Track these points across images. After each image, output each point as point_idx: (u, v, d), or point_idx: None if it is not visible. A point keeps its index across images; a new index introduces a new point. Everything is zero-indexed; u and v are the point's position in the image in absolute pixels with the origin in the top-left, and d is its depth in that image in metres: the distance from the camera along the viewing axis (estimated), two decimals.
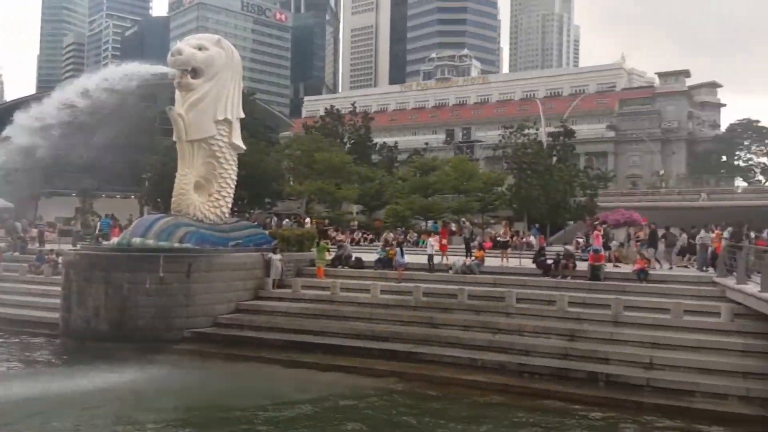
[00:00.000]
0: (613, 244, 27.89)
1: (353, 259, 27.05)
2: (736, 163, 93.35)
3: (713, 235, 23.41)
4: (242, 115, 26.13)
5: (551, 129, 62.64)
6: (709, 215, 34.64)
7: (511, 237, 31.77)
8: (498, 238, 31.35)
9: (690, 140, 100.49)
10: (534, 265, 24.16)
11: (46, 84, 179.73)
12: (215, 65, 24.19)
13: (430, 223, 48.92)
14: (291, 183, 53.38)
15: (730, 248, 20.86)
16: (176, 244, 23.05)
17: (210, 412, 15.61)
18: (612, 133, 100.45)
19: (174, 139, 24.62)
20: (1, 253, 31.56)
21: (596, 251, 23.38)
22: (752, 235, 23.73)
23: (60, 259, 27.25)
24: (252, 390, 17.30)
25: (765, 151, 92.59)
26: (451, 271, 24.48)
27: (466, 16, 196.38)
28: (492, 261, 25.88)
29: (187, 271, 22.21)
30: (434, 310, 21.27)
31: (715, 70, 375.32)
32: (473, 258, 25.46)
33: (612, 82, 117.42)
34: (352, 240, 37.74)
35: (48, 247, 32.81)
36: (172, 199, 24.87)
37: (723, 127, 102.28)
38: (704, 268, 22.72)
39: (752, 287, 17.34)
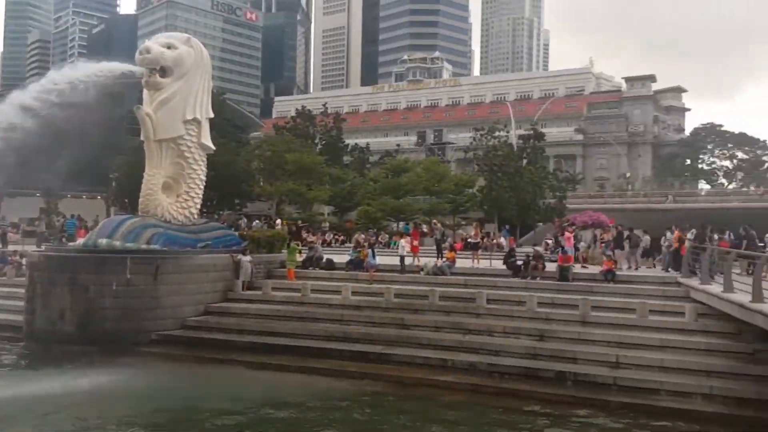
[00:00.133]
0: (581, 245, 28.31)
1: (324, 260, 26.95)
2: (699, 166, 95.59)
3: (674, 236, 23.97)
4: (212, 115, 25.88)
5: (521, 131, 63.32)
6: (674, 217, 35.41)
7: (482, 238, 31.97)
8: (469, 240, 31.56)
9: (655, 144, 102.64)
10: (504, 266, 24.39)
11: (10, 82, 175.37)
12: (184, 64, 23.92)
13: (401, 224, 49.05)
14: (261, 184, 53.00)
15: (693, 249, 21.32)
16: (144, 246, 22.70)
17: (174, 415, 15.36)
18: (580, 136, 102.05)
19: (142, 138, 24.26)
20: None
21: (565, 252, 23.68)
22: (715, 236, 24.25)
23: (24, 261, 26.66)
24: (219, 393, 17.08)
25: (727, 155, 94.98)
26: (422, 273, 24.55)
27: (437, 19, 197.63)
28: (463, 262, 26.02)
29: (155, 273, 21.90)
30: (405, 311, 21.29)
31: (680, 74, 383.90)
32: (444, 259, 25.58)
33: (581, 85, 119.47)
34: (324, 241, 37.60)
35: (11, 248, 32.14)
36: (140, 200, 24.52)
37: (687, 131, 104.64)
38: (669, 269, 23.19)
39: (715, 288, 17.76)
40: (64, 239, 30.58)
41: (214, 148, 26.20)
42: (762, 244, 21.60)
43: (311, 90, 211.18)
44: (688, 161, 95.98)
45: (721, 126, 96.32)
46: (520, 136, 61.02)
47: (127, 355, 19.93)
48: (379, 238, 38.18)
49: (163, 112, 23.66)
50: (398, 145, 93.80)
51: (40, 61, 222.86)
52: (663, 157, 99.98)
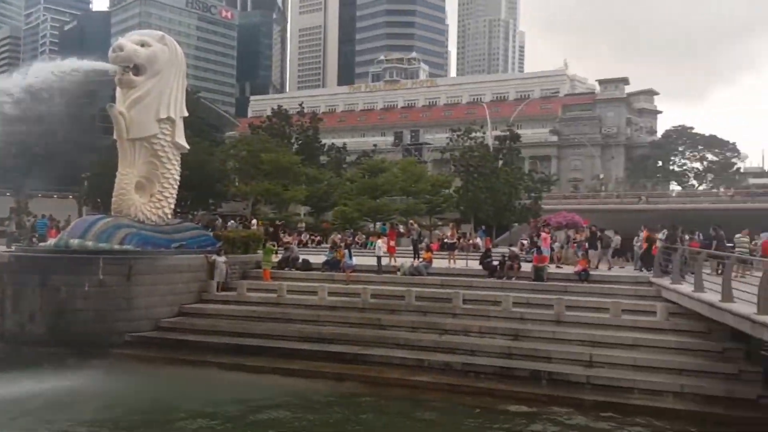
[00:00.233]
0: (556, 245, 28.60)
1: (300, 261, 26.83)
2: (671, 168, 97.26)
3: (642, 236, 24.44)
4: (186, 114, 25.58)
5: (497, 133, 63.83)
6: (646, 218, 35.97)
7: (458, 239, 32.17)
8: (445, 240, 31.66)
9: (628, 145, 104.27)
10: (480, 267, 24.53)
11: None
12: (158, 62, 23.64)
13: (378, 224, 49.06)
14: (237, 184, 52.63)
15: (665, 250, 21.67)
16: (116, 246, 22.36)
17: (147, 417, 15.15)
18: (555, 138, 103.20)
19: (114, 137, 23.90)
20: None
21: (540, 252, 23.90)
22: (686, 237, 24.67)
23: None
24: (193, 395, 16.90)
25: (698, 156, 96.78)
26: (399, 273, 24.58)
27: (414, 19, 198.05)
28: (439, 263, 26.14)
29: (128, 274, 21.59)
30: (382, 311, 21.28)
31: (653, 76, 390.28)
32: (421, 260, 25.64)
33: (555, 87, 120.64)
34: (300, 242, 37.44)
35: None
36: (113, 200, 24.18)
37: (659, 134, 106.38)
38: (641, 269, 23.58)
39: (686, 287, 18.08)
40: (34, 239, 29.93)
41: (188, 147, 25.91)
42: (731, 245, 22.01)
43: (287, 89, 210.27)
44: (660, 163, 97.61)
45: (692, 128, 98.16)
46: (496, 137, 61.56)
47: (100, 357, 19.57)
48: (356, 239, 38.15)
49: (137, 110, 23.35)
50: (375, 145, 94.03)
51: (11, 57, 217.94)
52: (635, 158, 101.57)
